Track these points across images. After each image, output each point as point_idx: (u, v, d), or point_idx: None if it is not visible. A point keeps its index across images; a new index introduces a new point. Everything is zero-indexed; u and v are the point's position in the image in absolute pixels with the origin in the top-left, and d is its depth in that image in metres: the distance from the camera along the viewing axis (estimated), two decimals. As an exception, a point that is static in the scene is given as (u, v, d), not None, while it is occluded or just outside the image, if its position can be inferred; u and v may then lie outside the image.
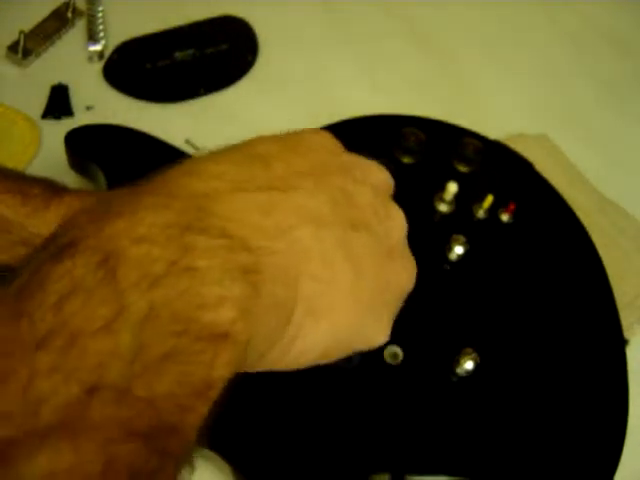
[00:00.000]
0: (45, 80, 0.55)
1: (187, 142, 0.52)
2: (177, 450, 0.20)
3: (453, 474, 0.37)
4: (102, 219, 0.22)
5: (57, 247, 0.21)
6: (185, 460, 0.21)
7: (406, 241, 0.32)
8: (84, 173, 0.45)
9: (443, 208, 0.45)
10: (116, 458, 0.18)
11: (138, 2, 0.60)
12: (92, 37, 0.57)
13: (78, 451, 0.18)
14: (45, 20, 0.58)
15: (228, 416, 0.36)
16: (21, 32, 0.55)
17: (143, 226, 0.22)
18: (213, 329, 0.21)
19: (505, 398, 0.39)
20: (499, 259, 0.44)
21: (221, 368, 0.21)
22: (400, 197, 0.45)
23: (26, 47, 0.55)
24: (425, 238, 0.44)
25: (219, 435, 0.36)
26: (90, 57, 0.57)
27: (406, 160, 0.47)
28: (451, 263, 0.43)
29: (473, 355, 0.39)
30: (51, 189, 0.37)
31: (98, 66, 0.56)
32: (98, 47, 0.57)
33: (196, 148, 0.52)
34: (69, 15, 0.58)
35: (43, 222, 0.35)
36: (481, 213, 0.45)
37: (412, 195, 0.46)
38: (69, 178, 0.46)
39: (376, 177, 0.31)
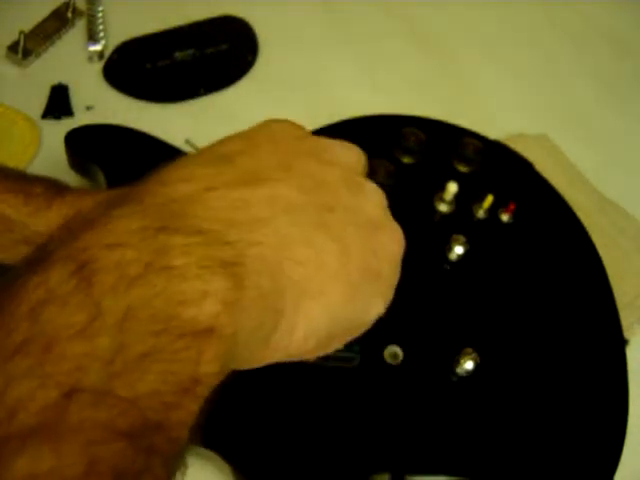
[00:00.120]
0: (45, 80, 0.55)
1: (187, 142, 0.52)
2: (164, 448, 0.20)
3: (453, 474, 0.37)
4: (76, 231, 0.23)
5: (32, 260, 0.22)
6: (175, 458, 0.21)
7: (387, 210, 0.32)
8: (84, 173, 0.45)
9: (443, 208, 0.45)
10: (99, 459, 0.18)
11: (138, 2, 0.60)
12: (92, 37, 0.57)
13: (59, 454, 0.18)
14: (45, 20, 0.58)
15: (228, 416, 0.36)
16: (21, 32, 0.55)
17: (116, 232, 0.22)
18: (196, 325, 0.21)
19: (505, 398, 0.39)
20: (499, 259, 0.44)
21: (208, 364, 0.21)
22: (400, 197, 0.46)
23: (26, 47, 0.55)
24: (425, 238, 0.44)
25: (219, 435, 0.36)
26: (90, 57, 0.57)
27: (406, 160, 0.47)
28: (451, 263, 0.43)
29: (473, 355, 0.39)
30: (53, 188, 0.37)
31: (98, 66, 0.56)
32: (98, 47, 0.57)
33: (196, 148, 0.52)
34: (69, 15, 0.58)
35: (45, 221, 0.35)
36: (481, 213, 0.45)
37: (412, 195, 0.46)
38: (69, 178, 0.46)
39: (344, 156, 0.31)
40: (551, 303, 0.42)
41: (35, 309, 0.20)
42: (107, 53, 0.57)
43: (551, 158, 0.54)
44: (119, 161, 0.44)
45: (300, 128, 0.32)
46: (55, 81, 0.55)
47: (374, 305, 0.30)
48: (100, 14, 0.57)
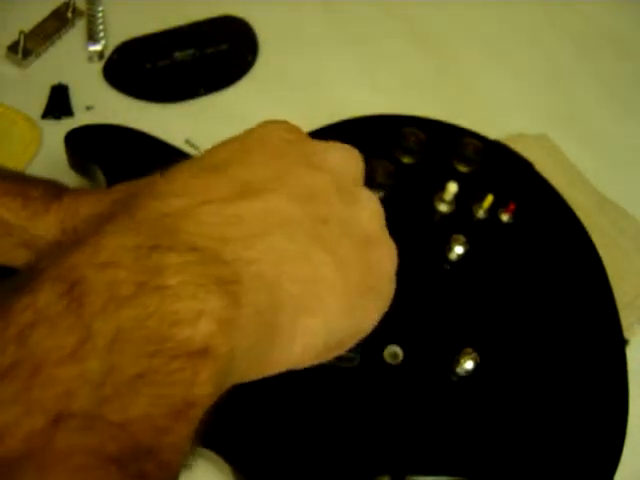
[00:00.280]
0: (45, 80, 0.55)
1: (187, 142, 0.52)
2: (156, 474, 0.20)
3: (453, 474, 0.37)
4: (66, 249, 0.22)
5: (21, 279, 0.21)
6: None
7: (382, 221, 0.31)
8: (84, 173, 0.45)
9: (443, 208, 0.45)
10: None
11: (138, 2, 0.60)
12: (92, 37, 0.57)
13: None
14: (45, 20, 0.58)
15: (228, 416, 0.36)
16: (21, 32, 0.55)
17: (107, 251, 0.22)
18: (190, 346, 0.21)
19: (505, 398, 0.39)
20: (499, 259, 0.44)
21: (202, 385, 0.21)
22: (400, 197, 0.46)
23: (26, 47, 0.55)
24: (425, 238, 0.44)
25: (219, 435, 0.36)
26: (90, 57, 0.57)
27: (406, 160, 0.47)
28: (451, 263, 0.43)
29: (473, 355, 0.39)
30: (51, 190, 0.36)
31: (98, 66, 0.56)
32: (98, 47, 0.57)
33: (196, 148, 0.52)
34: (69, 15, 0.58)
35: (44, 225, 0.35)
36: (481, 213, 0.45)
37: (412, 195, 0.46)
38: (69, 178, 0.46)
39: (337, 162, 0.30)
40: (551, 303, 0.42)
41: (24, 331, 0.19)
42: (107, 53, 0.57)
43: (551, 158, 0.54)
44: (119, 161, 0.44)
45: (294, 130, 0.31)
46: (55, 81, 0.55)
47: (370, 317, 0.30)
48: (100, 14, 0.57)
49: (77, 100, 0.54)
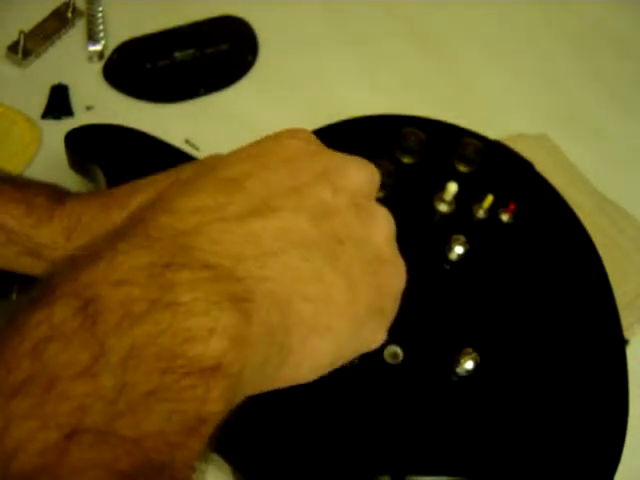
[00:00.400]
0: (45, 80, 0.55)
1: (187, 142, 0.52)
2: None
3: (453, 474, 0.37)
4: (81, 264, 0.22)
5: (36, 294, 0.21)
6: None
7: (393, 240, 0.31)
8: (84, 173, 0.45)
9: (443, 208, 0.45)
10: None
11: (138, 2, 0.60)
12: (92, 37, 0.57)
13: None
14: (45, 20, 0.58)
15: (227, 416, 0.36)
16: (21, 32, 0.55)
17: (122, 269, 0.22)
18: (203, 362, 0.21)
19: (505, 398, 0.39)
20: (499, 259, 0.44)
21: (214, 402, 0.21)
22: (400, 197, 0.45)
23: (26, 47, 0.55)
24: (425, 238, 0.44)
25: (218, 435, 0.36)
26: (90, 57, 0.57)
27: (406, 160, 0.47)
28: (451, 263, 0.43)
29: (473, 355, 0.39)
30: (54, 196, 0.36)
31: (98, 66, 0.56)
32: (98, 47, 0.57)
33: (196, 148, 0.52)
34: (69, 15, 0.58)
35: (48, 233, 0.34)
36: (481, 213, 0.45)
37: (412, 195, 0.46)
38: (69, 178, 0.46)
39: (356, 178, 0.30)
40: (551, 303, 0.42)
41: (38, 346, 0.19)
42: (107, 53, 0.57)
43: (551, 158, 0.54)
44: (119, 161, 0.44)
45: (312, 140, 0.31)
46: (55, 81, 0.55)
47: (377, 337, 0.31)
48: (100, 14, 0.57)
49: (77, 100, 0.54)
